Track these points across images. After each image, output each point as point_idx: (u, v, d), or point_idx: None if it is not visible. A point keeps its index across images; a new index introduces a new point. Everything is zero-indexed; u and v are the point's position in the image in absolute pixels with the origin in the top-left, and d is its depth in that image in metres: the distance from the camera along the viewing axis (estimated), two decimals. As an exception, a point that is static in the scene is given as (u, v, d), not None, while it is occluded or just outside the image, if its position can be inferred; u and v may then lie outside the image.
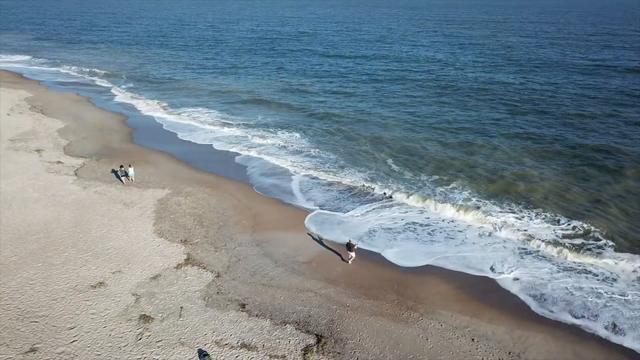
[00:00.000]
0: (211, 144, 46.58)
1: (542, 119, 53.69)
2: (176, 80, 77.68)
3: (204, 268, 24.61)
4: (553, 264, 26.39)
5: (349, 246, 25.84)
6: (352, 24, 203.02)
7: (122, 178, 35.69)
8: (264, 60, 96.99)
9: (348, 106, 60.60)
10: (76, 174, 36.59)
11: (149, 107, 60.79)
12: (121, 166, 36.79)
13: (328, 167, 40.22)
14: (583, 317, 22.24)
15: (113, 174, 37.10)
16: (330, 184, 37.24)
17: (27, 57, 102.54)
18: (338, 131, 49.99)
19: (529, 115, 55.06)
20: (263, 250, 26.95)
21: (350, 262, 26.15)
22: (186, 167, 40.06)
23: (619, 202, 33.76)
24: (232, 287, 23.11)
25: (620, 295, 23.66)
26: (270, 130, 50.66)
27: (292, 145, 45.81)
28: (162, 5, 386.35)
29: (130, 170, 35.57)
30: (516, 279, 24.99)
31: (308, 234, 29.48)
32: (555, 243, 28.23)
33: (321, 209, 32.89)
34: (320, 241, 28.56)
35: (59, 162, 39.08)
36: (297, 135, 48.88)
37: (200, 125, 52.88)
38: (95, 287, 22.53)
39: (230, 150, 45.12)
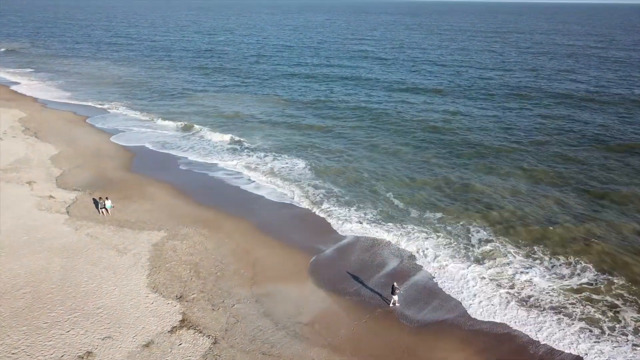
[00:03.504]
0: (212, 171, 45.02)
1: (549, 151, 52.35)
2: (177, 98, 76.15)
3: (200, 332, 23.02)
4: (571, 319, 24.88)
5: (393, 289, 25.50)
6: (354, 35, 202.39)
7: (102, 210, 34.77)
8: (261, 83, 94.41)
9: (350, 134, 59.20)
10: (68, 212, 35.03)
11: (149, 128, 59.27)
12: (100, 197, 35.88)
13: (332, 202, 38.68)
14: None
15: (95, 205, 36.36)
16: (345, 221, 35.77)
17: (26, 70, 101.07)
18: (342, 161, 48.52)
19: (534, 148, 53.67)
20: (263, 307, 25.38)
21: (392, 305, 25.91)
22: (184, 201, 38.48)
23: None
24: (230, 358, 21.53)
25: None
26: (271, 157, 49.03)
27: (293, 172, 44.29)
28: (159, 15, 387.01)
29: (108, 203, 34.90)
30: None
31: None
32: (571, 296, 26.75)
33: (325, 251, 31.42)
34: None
35: (50, 196, 37.53)
36: (302, 163, 47.06)
37: (203, 149, 51.45)
38: (83, 357, 20.95)
39: (232, 178, 43.63)
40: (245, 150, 51.23)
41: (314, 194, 40.37)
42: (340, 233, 34.10)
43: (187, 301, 25.42)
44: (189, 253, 30.26)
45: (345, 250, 31.82)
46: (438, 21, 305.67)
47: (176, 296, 25.76)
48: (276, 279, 28.14)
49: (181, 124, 60.76)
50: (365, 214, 36.77)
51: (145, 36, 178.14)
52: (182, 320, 23.83)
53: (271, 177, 44.00)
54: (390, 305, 26.04)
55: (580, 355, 22.76)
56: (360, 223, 35.28)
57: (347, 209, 37.48)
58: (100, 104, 71.49)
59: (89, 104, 71.82)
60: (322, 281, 28.25)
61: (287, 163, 47.41)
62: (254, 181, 43.23)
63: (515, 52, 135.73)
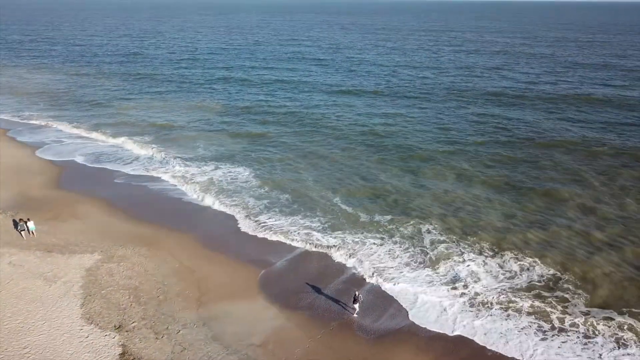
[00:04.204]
0: (149, 184, 42.41)
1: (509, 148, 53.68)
2: (107, 107, 71.51)
3: (144, 366, 21.18)
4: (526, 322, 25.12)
5: (355, 298, 25.02)
6: (290, 36, 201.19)
7: (22, 233, 31.86)
8: (196, 88, 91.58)
9: (292, 140, 58.10)
10: (-14, 239, 31.70)
11: (78, 140, 55.30)
12: (20, 219, 32.49)
13: (278, 212, 37.40)
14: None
15: (14, 226, 33.28)
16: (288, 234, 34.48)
17: None
18: (286, 168, 47.33)
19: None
20: (211, 331, 23.79)
21: (356, 315, 25.32)
22: (120, 218, 35.89)
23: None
24: (177, 391, 19.90)
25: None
26: (211, 166, 46.98)
27: (236, 182, 42.59)
28: (84, 16, 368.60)
29: (31, 224, 31.93)
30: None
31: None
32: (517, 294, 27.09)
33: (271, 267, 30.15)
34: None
35: (-35, 222, 33.88)
36: (245, 172, 45.32)
37: (138, 161, 48.53)
38: (7, 408, 18.61)
39: (171, 190, 41.35)
40: (184, 160, 48.74)
41: (259, 204, 38.93)
42: (289, 244, 32.93)
43: (127, 331, 23.38)
44: (127, 276, 28.04)
45: (295, 262, 30.72)
46: (373, 20, 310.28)
47: (114, 326, 23.64)
48: (224, 298, 26.59)
49: (113, 135, 57.14)
50: (313, 222, 35.81)
51: (70, 40, 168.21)
52: (122, 354, 21.83)
53: (213, 187, 42.03)
54: (354, 315, 25.37)
55: (530, 353, 23.03)
56: (310, 232, 34.26)
57: (294, 219, 36.36)
58: (21, 116, 66.14)
59: (8, 116, 66.24)
60: (273, 297, 27.02)
61: (229, 172, 45.57)
62: (194, 193, 41.13)
63: (449, 50, 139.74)
